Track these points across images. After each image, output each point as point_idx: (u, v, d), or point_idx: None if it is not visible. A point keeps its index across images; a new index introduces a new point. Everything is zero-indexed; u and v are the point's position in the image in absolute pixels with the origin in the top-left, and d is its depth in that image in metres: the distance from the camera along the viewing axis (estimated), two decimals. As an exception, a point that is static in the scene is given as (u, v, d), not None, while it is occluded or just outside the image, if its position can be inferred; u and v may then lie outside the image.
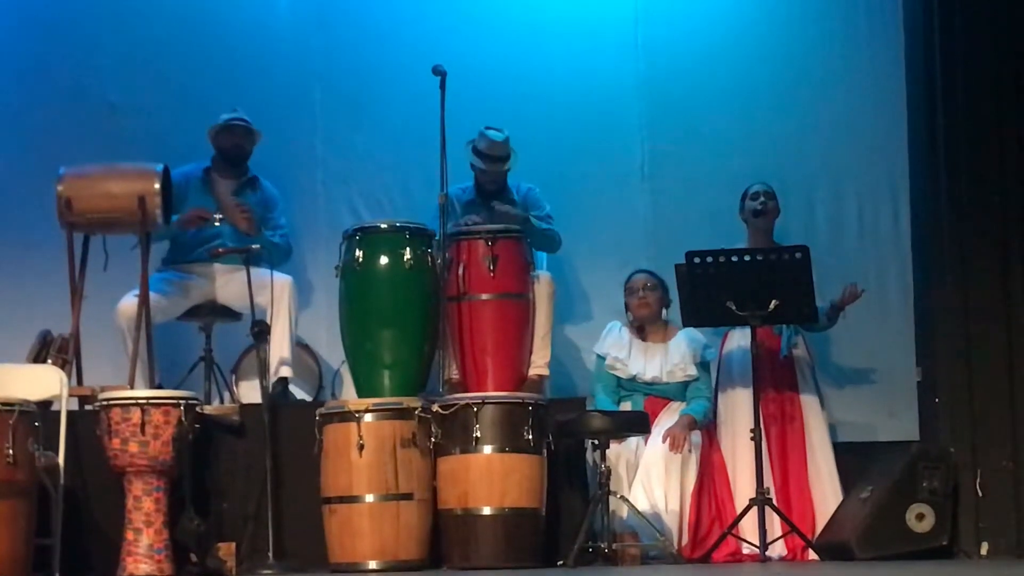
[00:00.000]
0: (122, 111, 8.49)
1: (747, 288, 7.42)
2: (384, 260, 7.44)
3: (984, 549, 7.50)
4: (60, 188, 7.50)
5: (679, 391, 7.83)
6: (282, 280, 7.78)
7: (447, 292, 7.50)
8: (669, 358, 7.81)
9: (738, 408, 7.79)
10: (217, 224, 7.91)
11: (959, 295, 7.71)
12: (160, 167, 7.59)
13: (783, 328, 7.85)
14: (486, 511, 7.03)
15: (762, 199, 7.95)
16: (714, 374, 7.94)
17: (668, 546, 7.34)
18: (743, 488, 7.60)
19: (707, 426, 7.78)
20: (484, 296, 7.57)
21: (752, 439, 7.41)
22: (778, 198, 8.01)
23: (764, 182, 8.02)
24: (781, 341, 7.86)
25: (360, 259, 7.43)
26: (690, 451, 7.60)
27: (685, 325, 7.76)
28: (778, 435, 7.77)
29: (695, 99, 8.54)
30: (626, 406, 7.80)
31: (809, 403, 7.87)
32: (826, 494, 7.74)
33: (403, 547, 7.01)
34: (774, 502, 7.46)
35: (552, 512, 7.25)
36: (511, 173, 8.10)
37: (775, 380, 7.82)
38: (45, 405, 7.13)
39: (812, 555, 7.53)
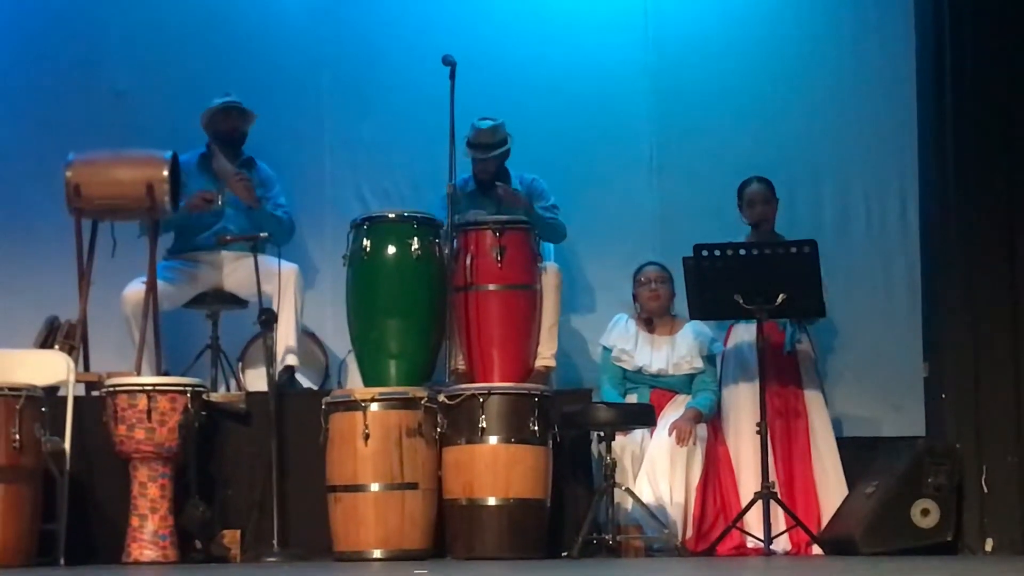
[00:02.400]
0: (130, 98, 8.46)
1: (755, 282, 7.40)
2: (392, 250, 7.43)
3: (989, 545, 7.49)
4: (69, 174, 7.49)
5: (685, 384, 7.82)
6: (289, 268, 7.76)
7: (454, 282, 7.49)
8: (676, 350, 7.80)
9: (742, 403, 7.78)
10: (220, 204, 7.89)
11: (967, 291, 7.70)
12: (168, 154, 7.59)
13: (787, 324, 7.84)
14: (491, 501, 7.03)
15: (759, 208, 7.91)
16: (718, 368, 7.94)
17: (672, 539, 7.35)
18: (748, 482, 7.60)
19: (712, 419, 7.78)
20: (491, 287, 7.56)
21: (758, 433, 7.40)
22: (775, 187, 7.98)
23: (759, 177, 7.98)
24: (785, 337, 7.85)
25: (368, 248, 7.41)
26: (695, 444, 7.59)
27: (692, 318, 7.75)
28: (782, 430, 7.76)
29: (704, 91, 8.52)
30: (632, 398, 7.80)
31: (813, 398, 7.86)
32: (831, 488, 7.73)
33: (407, 536, 7.01)
34: (779, 496, 7.46)
35: (557, 503, 7.25)
36: (512, 162, 8.06)
37: (779, 375, 7.80)
38: (52, 390, 7.16)
39: (816, 549, 7.52)
